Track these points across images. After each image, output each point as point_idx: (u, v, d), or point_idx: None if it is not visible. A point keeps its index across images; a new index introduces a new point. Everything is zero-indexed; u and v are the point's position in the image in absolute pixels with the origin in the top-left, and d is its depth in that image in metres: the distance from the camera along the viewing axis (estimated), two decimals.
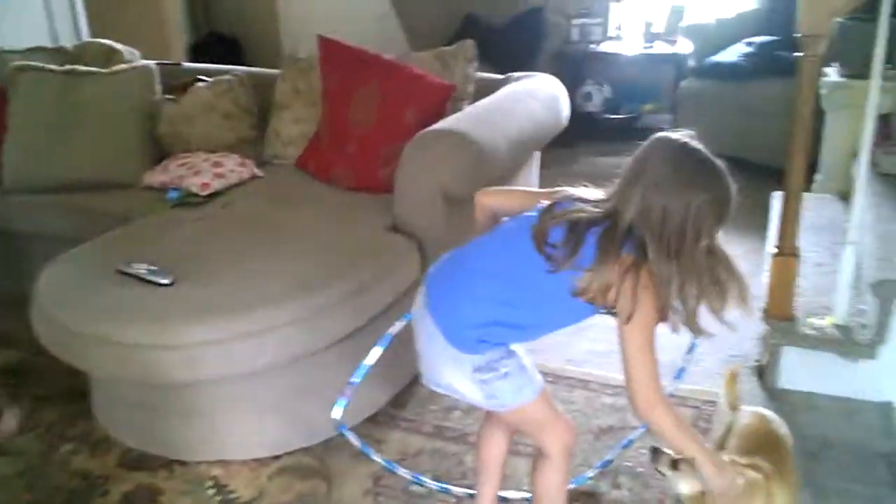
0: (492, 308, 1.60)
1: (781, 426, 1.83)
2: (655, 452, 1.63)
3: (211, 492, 2.19)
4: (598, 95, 5.15)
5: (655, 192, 1.43)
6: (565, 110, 3.14)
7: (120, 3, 5.62)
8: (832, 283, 2.52)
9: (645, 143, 1.51)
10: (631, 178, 1.48)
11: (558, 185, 1.62)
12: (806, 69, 2.31)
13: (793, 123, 2.37)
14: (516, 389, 1.66)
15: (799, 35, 2.28)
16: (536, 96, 3.04)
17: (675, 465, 1.59)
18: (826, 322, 2.43)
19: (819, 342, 2.41)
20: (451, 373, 1.66)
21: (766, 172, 3.98)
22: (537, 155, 3.24)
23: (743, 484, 1.57)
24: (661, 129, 1.54)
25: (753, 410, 1.89)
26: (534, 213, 1.57)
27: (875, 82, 2.32)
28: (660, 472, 1.64)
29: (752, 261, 3.30)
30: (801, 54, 2.30)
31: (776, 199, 3.15)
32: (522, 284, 1.58)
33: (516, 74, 3.22)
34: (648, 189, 1.44)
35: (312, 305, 2.13)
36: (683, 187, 1.43)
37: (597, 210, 1.50)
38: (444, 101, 2.83)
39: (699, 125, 4.28)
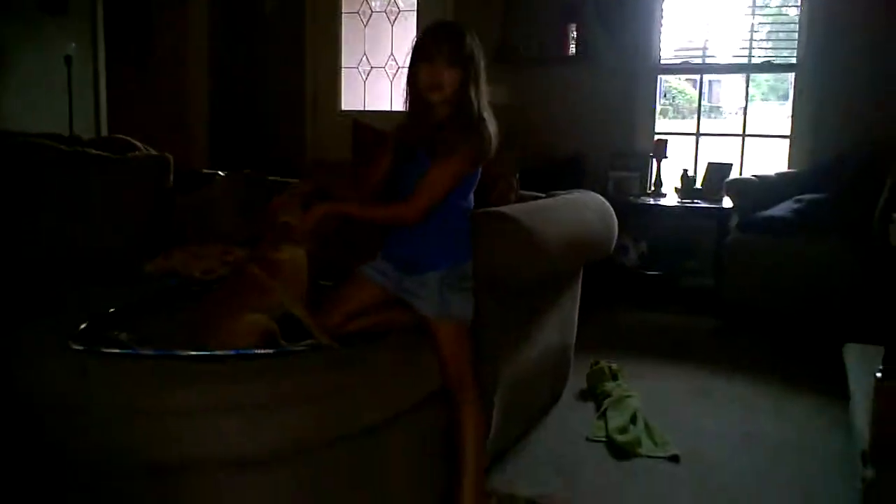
0: None
1: None
2: None
3: None
4: (634, 250, 4.85)
5: None
6: (615, 226, 2.85)
7: (145, 108, 5.52)
8: None
9: None
10: None
11: None
12: None
13: None
14: None
15: None
16: (588, 206, 2.79)
17: None
18: None
19: None
20: None
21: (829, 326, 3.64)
22: (579, 284, 2.96)
23: None
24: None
25: None
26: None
27: None
28: None
29: (825, 418, 2.89)
30: None
31: (850, 352, 2.79)
32: None
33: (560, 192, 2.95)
34: None
35: (326, 381, 1.71)
36: None
37: None
38: None
39: (751, 283, 4.09)
